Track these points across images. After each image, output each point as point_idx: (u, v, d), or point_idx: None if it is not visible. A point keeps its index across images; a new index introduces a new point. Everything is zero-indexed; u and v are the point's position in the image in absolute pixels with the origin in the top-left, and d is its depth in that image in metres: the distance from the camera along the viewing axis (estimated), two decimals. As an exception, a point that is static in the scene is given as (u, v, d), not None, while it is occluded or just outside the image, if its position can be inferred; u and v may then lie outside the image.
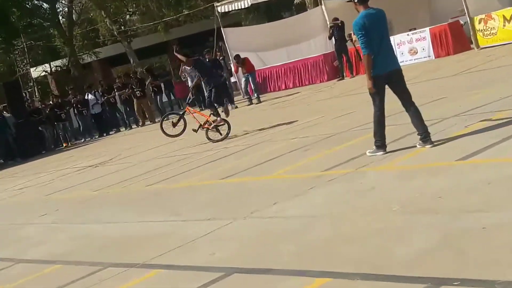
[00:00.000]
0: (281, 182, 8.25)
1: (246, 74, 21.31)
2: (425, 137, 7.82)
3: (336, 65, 21.25)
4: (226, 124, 13.35)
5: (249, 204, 7.32)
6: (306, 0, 30.00)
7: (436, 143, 7.79)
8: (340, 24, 20.45)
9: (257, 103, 20.69)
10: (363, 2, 8.18)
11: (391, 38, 19.81)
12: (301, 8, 33.79)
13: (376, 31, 8.04)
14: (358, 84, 14.51)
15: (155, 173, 11.70)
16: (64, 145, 26.07)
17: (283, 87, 22.61)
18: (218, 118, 13.42)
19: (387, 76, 7.99)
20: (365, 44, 7.95)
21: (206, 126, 13.49)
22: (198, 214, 7.55)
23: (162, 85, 29.28)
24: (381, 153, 8.09)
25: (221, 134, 13.31)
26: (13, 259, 7.92)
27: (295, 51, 22.62)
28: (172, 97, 29.86)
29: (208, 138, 13.40)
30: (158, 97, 26.16)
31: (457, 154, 6.98)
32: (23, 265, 7.54)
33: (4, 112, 25.23)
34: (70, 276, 6.44)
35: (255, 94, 21.06)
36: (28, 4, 37.24)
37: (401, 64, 19.45)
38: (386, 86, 8.02)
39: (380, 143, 8.12)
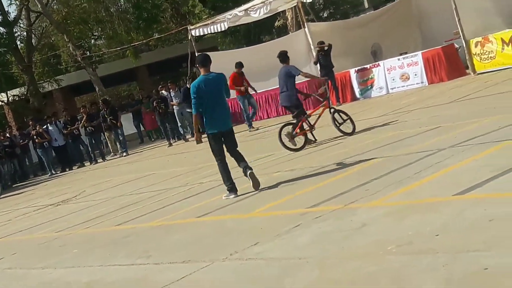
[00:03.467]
0: (262, 220, 8.22)
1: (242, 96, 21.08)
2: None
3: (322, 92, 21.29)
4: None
5: (227, 244, 7.27)
6: (287, 23, 30.29)
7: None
8: (326, 48, 20.56)
9: None
10: (204, 66, 10.02)
11: (381, 62, 20.40)
12: (283, 31, 34.12)
13: (211, 94, 9.85)
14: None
15: (123, 211, 11.63)
16: None
17: (265, 116, 22.68)
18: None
19: (221, 134, 9.99)
20: (195, 106, 9.94)
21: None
22: (172, 256, 7.47)
23: (131, 115, 29.38)
24: (233, 196, 9.91)
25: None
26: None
27: (277, 78, 22.72)
28: (142, 128, 29.89)
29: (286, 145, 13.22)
30: (113, 132, 25.85)
31: (454, 189, 6.98)
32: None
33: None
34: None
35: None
36: (-16, 28, 37.25)
37: (392, 90, 20.06)
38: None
39: (230, 187, 9.98)
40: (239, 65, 20.73)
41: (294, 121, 13.51)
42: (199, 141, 10.51)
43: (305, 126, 13.41)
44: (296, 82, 14.09)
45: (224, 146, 10.12)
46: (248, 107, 21.24)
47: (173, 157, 19.46)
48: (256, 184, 9.93)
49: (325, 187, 8.90)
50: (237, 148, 10.17)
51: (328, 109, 13.81)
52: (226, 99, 10.48)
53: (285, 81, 13.74)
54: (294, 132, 13.19)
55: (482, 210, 6.05)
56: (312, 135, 13.49)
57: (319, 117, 13.90)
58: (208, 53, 23.06)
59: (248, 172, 9.88)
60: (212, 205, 9.87)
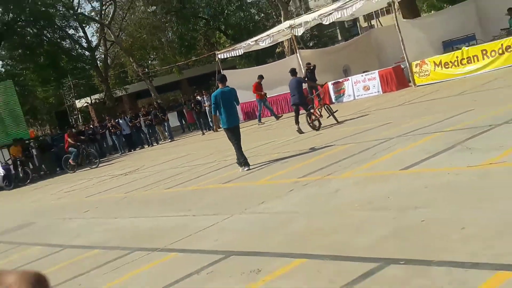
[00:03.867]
0: (267, 186, 8.22)
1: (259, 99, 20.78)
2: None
3: (309, 99, 21.26)
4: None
5: (243, 203, 7.30)
6: (285, 50, 30.14)
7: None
8: (311, 68, 20.45)
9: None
10: (221, 82, 10.25)
11: (350, 78, 20.26)
12: (281, 55, 33.89)
13: (225, 102, 9.98)
14: (325, 113, 14.63)
15: (171, 179, 11.65)
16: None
17: (269, 114, 22.63)
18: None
19: (232, 128, 10.12)
20: (213, 109, 10.22)
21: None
22: (205, 210, 7.52)
23: (176, 113, 29.42)
24: (246, 168, 9.92)
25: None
26: (62, 245, 7.86)
27: (277, 88, 22.63)
28: (184, 122, 29.98)
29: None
30: (163, 125, 25.98)
31: (400, 165, 6.99)
32: (69, 250, 7.49)
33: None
34: (106, 258, 6.39)
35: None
36: (73, 52, 37.25)
37: (357, 97, 19.87)
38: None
39: (244, 162, 10.02)
40: (261, 77, 20.76)
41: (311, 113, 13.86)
42: (216, 130, 10.81)
43: (317, 115, 13.72)
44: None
45: (233, 137, 10.20)
46: (263, 108, 21.18)
47: (205, 143, 19.47)
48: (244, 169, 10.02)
49: (310, 164, 8.91)
50: (240, 141, 10.23)
51: (322, 106, 14.38)
52: (237, 106, 10.62)
53: (296, 87, 14.01)
54: (312, 118, 13.56)
55: (420, 180, 6.07)
56: (320, 121, 13.70)
57: (320, 110, 14.15)
58: (229, 71, 23.25)
59: (246, 168, 9.96)
60: (233, 176, 9.88)
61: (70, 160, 20.98)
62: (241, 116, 22.12)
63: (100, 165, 20.84)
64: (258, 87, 20.70)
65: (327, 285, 3.86)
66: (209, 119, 24.41)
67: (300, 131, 13.49)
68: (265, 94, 20.81)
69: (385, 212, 5.20)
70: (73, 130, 24.96)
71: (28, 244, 8.64)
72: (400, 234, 4.49)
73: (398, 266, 3.88)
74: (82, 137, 22.81)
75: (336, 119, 13.82)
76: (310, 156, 9.79)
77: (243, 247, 5.35)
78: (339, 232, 4.99)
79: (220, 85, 10.25)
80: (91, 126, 28.18)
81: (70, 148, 20.95)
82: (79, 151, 21.00)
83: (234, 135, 10.19)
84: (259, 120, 20.85)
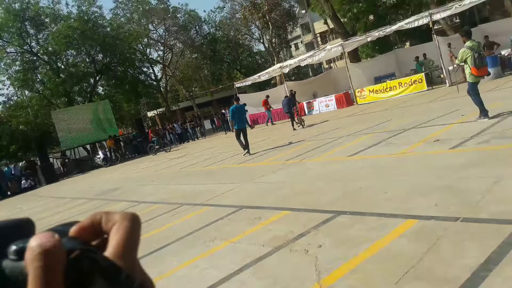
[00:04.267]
0: (265, 166, 8.20)
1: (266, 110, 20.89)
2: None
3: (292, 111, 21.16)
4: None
5: (249, 176, 7.28)
6: (276, 81, 30.04)
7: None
8: (293, 93, 20.34)
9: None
10: (237, 101, 10.32)
11: (317, 99, 20.03)
12: (274, 85, 33.73)
13: (238, 113, 10.06)
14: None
15: (206, 161, 11.63)
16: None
17: (270, 121, 22.45)
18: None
19: (241, 129, 10.04)
20: (231, 117, 10.13)
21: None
22: (227, 181, 7.49)
23: (209, 120, 29.29)
24: (247, 151, 9.95)
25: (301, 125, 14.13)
26: (138, 201, 7.87)
27: (272, 105, 22.52)
28: (214, 126, 29.90)
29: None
30: (200, 128, 25.88)
31: (347, 153, 6.96)
32: (143, 204, 7.50)
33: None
34: (165, 209, 6.40)
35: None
36: (146, 82, 37.21)
37: (321, 111, 19.54)
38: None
39: (244, 147, 10.03)
40: (267, 96, 20.96)
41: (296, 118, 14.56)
42: (233, 130, 10.85)
43: (299, 119, 14.38)
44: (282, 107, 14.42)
45: (241, 135, 10.28)
46: (266, 116, 21.15)
47: (227, 139, 19.42)
48: (246, 154, 10.13)
49: (292, 152, 8.87)
50: (247, 137, 10.26)
51: (299, 116, 14.89)
52: (245, 115, 10.80)
53: (287, 103, 15.09)
54: (297, 121, 14.41)
55: (359, 163, 6.04)
56: (302, 123, 14.25)
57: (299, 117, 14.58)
58: (241, 94, 23.03)
59: (246, 151, 10.08)
60: (244, 159, 9.83)
61: (154, 145, 21.32)
62: (249, 121, 22.03)
63: (169, 151, 20.91)
64: (266, 102, 20.90)
65: (302, 228, 3.86)
66: (229, 124, 24.35)
67: (294, 127, 14.37)
68: (270, 106, 20.93)
69: (338, 182, 5.20)
70: (155, 127, 25.21)
71: (117, 201, 8.67)
72: (346, 196, 4.48)
73: (345, 216, 3.88)
74: (159, 132, 23.29)
75: (303, 124, 14.19)
76: (290, 147, 9.76)
77: (249, 203, 5.36)
78: (310, 194, 4.99)
79: (235, 103, 10.43)
80: (157, 128, 28.14)
81: (152, 138, 21.42)
82: (158, 141, 21.24)
83: (243, 134, 10.28)
84: (266, 124, 21.04)
